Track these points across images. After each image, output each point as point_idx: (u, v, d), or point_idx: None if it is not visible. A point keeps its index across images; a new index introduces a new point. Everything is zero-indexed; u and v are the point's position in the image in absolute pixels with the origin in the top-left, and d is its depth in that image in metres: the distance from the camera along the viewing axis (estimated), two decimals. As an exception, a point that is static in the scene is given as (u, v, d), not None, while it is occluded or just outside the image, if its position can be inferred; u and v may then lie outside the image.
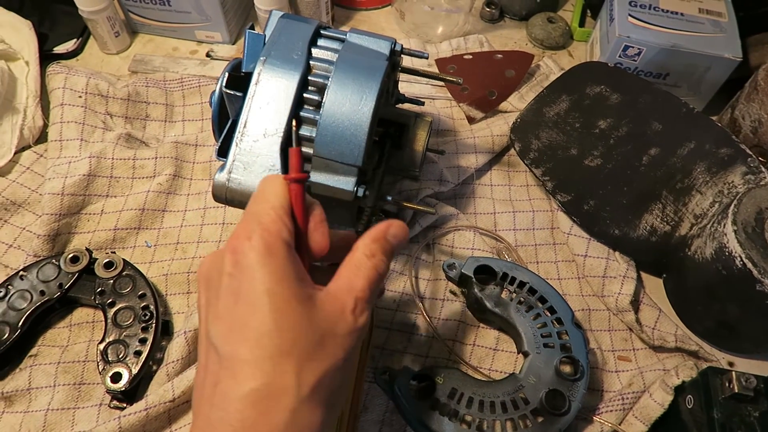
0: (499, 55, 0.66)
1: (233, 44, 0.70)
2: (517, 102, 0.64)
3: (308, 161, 0.43)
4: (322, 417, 0.26)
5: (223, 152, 0.44)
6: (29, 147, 0.57)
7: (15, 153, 0.55)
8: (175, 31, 0.68)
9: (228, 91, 0.42)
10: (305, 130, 0.43)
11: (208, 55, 0.67)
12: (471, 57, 0.67)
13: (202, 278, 0.30)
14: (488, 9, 0.73)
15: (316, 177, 0.43)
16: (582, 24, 0.73)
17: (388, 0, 0.74)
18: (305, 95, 0.42)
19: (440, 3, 0.69)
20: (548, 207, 0.58)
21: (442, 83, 0.65)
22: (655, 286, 0.55)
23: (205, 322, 0.29)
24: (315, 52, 0.44)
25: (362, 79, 0.42)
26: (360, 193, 0.43)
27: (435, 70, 0.66)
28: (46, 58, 0.64)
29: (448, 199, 0.58)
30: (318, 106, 0.43)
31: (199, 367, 0.29)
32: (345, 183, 0.43)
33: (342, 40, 0.45)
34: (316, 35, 0.45)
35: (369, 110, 0.42)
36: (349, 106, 0.42)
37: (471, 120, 0.63)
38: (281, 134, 0.41)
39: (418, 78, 0.57)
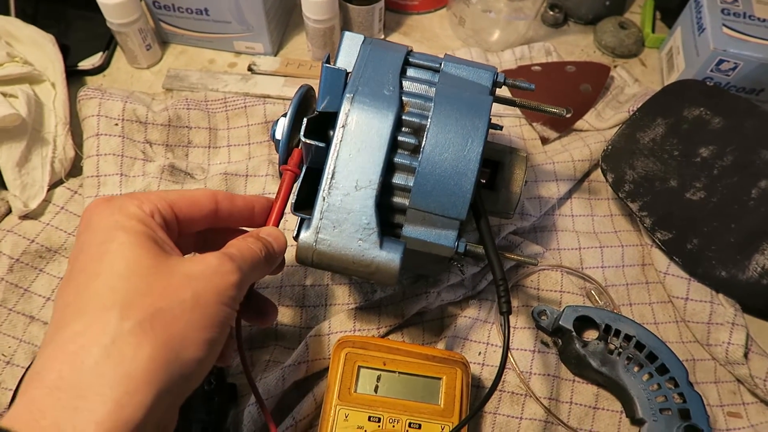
0: (572, 67, 0.60)
1: (275, 55, 0.63)
2: (594, 120, 0.59)
3: (401, 213, 0.38)
4: (151, 352, 0.24)
5: (299, 206, 0.38)
6: (61, 182, 0.51)
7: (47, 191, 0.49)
8: (212, 42, 0.62)
9: (309, 141, 0.36)
10: (399, 179, 0.37)
11: (250, 69, 0.62)
12: (540, 69, 0.61)
13: None
14: (551, 13, 0.66)
15: (410, 231, 0.37)
16: (653, 29, 0.67)
17: (441, 2, 0.68)
18: (399, 138, 0.37)
19: (501, 8, 0.63)
20: (637, 241, 0.53)
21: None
22: (759, 329, 0.50)
23: None
24: (407, 85, 0.38)
25: (466, 120, 0.36)
26: (461, 248, 0.38)
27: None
28: (70, 74, 0.58)
29: (528, 233, 0.52)
30: (413, 150, 0.37)
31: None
32: (445, 238, 0.37)
33: (435, 70, 0.39)
34: (405, 63, 0.39)
35: (476, 156, 0.36)
36: (452, 151, 0.36)
37: (544, 140, 0.58)
38: (375, 186, 0.35)
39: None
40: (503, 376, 0.45)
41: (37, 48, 0.54)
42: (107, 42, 0.62)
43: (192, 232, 0.33)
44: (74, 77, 0.59)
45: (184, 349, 0.25)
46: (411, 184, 0.36)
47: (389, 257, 0.35)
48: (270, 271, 0.35)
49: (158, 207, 0.29)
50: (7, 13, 0.59)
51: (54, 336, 0.25)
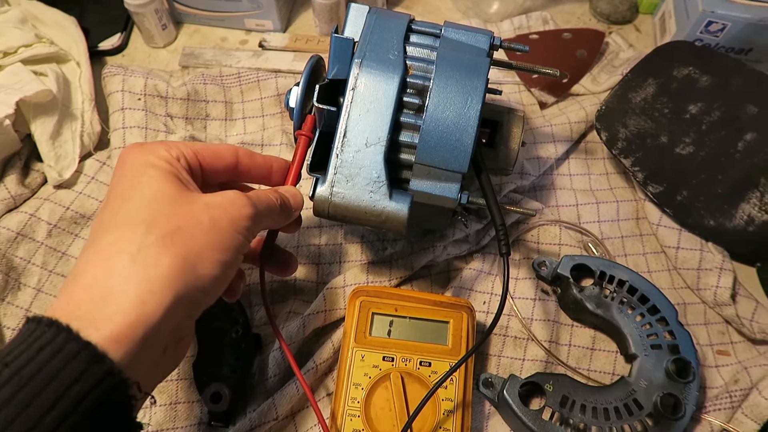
0: (568, 34, 0.63)
1: (284, 32, 0.66)
2: (590, 84, 0.61)
3: (408, 168, 0.41)
4: (170, 261, 0.28)
5: (314, 167, 0.41)
6: (90, 154, 0.54)
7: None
8: (223, 20, 0.65)
9: (322, 106, 0.39)
10: (405, 136, 0.40)
11: (260, 45, 0.65)
12: (537, 37, 0.64)
13: None
14: (548, -18, 0.69)
15: (417, 185, 0.41)
16: (648, -5, 0.69)
17: (441, -24, 0.70)
18: (405, 99, 0.40)
19: (500, -21, 0.65)
20: (632, 196, 0.56)
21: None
22: (746, 275, 0.53)
23: None
24: (410, 50, 0.41)
25: (466, 80, 0.39)
26: (464, 199, 0.41)
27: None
28: (91, 54, 0.61)
29: (528, 191, 0.56)
30: (417, 109, 0.40)
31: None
32: (448, 190, 0.41)
33: (436, 35, 0.42)
34: (408, 31, 0.42)
35: (475, 113, 0.39)
36: (453, 109, 0.39)
37: (542, 105, 0.61)
38: (384, 143, 0.39)
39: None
40: (507, 323, 0.49)
41: (60, 29, 0.57)
42: (124, 23, 0.65)
43: (214, 183, 0.37)
44: (95, 57, 0.62)
45: (200, 264, 0.29)
46: (416, 141, 0.40)
47: (398, 207, 0.39)
48: (286, 222, 0.38)
49: (184, 153, 0.34)
50: (28, -3, 0.62)
51: (89, 246, 0.29)
